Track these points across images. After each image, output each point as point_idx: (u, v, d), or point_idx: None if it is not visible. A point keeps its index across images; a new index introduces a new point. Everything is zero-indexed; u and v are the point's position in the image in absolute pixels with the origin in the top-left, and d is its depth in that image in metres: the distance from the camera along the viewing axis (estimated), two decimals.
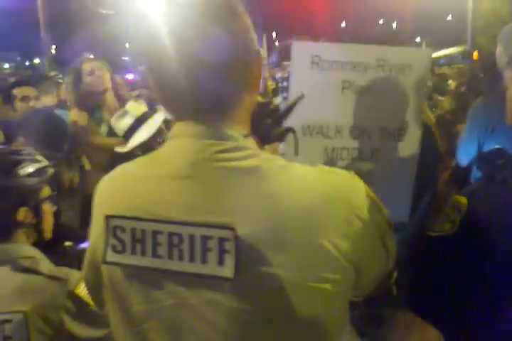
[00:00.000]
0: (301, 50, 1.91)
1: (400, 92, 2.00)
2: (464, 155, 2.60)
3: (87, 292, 1.38)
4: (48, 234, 1.56)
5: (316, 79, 1.91)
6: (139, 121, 2.64)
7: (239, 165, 0.86)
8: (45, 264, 1.43)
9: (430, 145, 3.08)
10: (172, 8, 0.89)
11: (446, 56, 20.05)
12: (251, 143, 0.92)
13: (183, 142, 0.91)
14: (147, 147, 2.54)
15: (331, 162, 1.98)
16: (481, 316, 1.14)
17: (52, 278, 1.38)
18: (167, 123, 2.62)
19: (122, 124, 2.66)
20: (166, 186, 0.89)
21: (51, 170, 1.55)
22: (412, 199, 2.93)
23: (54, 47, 21.72)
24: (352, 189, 0.90)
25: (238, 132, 0.90)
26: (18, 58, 32.44)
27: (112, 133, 2.93)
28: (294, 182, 0.86)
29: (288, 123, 1.93)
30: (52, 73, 7.98)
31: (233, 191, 0.85)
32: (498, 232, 1.10)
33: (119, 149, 2.65)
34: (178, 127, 0.93)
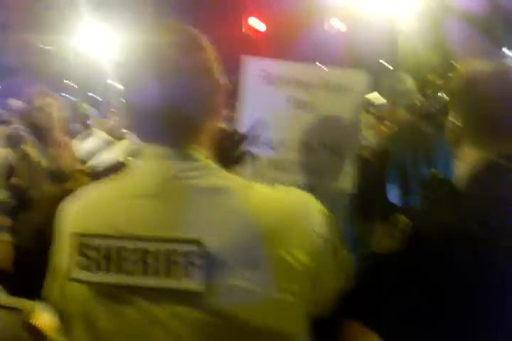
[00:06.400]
0: (251, 64, 2.05)
1: (338, 111, 2.11)
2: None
3: (43, 322, 1.36)
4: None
5: (263, 92, 2.05)
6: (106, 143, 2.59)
7: (201, 184, 0.93)
8: (0, 294, 1.40)
9: (374, 177, 3.23)
10: (145, 40, 0.97)
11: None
12: (212, 163, 0.99)
13: (150, 162, 0.97)
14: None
15: (273, 172, 2.06)
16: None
17: (8, 308, 1.36)
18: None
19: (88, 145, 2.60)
20: (132, 204, 0.94)
21: (9, 201, 1.54)
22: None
23: None
24: (308, 206, 0.99)
25: (201, 153, 0.98)
26: None
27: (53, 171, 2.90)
28: (254, 200, 0.94)
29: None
30: None
31: (196, 208, 0.91)
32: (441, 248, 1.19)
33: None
34: (145, 149, 0.99)
